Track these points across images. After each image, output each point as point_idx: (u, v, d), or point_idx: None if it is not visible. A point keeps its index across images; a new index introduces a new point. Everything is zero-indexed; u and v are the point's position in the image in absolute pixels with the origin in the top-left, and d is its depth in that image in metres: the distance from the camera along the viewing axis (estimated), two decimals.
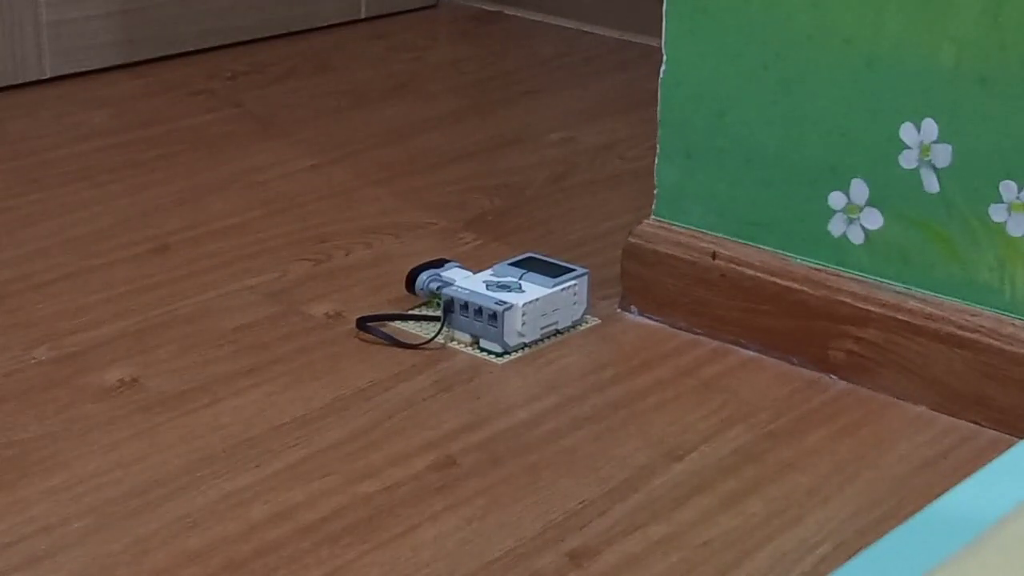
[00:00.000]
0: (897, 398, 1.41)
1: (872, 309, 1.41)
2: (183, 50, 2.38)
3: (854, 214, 1.42)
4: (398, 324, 1.52)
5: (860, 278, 1.43)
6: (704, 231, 1.52)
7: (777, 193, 1.46)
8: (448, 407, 1.39)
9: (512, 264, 1.55)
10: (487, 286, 1.50)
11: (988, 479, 0.72)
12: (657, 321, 1.55)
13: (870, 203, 1.41)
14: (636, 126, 2.08)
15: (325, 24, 2.56)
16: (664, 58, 1.50)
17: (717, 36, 1.46)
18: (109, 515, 1.21)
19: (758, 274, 1.48)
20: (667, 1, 1.49)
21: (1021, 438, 1.27)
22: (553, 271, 1.53)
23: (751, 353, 1.49)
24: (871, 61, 1.37)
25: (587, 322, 1.55)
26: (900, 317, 1.40)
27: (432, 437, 1.33)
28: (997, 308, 1.36)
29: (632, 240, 1.56)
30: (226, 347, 1.48)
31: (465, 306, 1.48)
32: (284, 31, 2.51)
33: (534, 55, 2.48)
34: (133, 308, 1.56)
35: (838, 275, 1.44)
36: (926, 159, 1.36)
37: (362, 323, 1.51)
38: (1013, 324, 1.35)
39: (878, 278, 1.42)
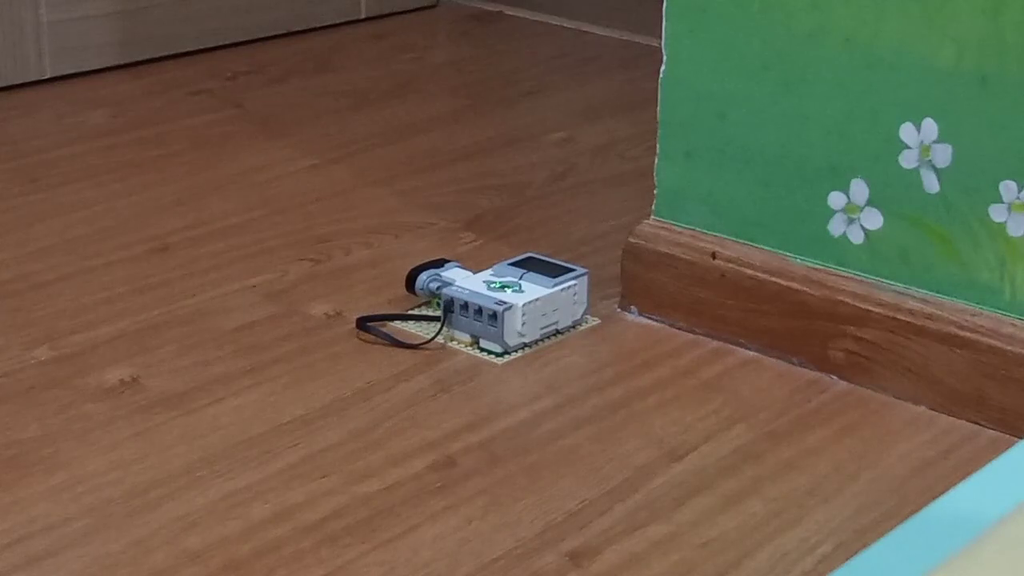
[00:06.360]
0: (897, 398, 1.41)
1: (872, 309, 1.41)
2: (183, 50, 2.38)
3: (854, 214, 1.42)
4: (398, 324, 1.53)
5: (860, 278, 1.43)
6: (704, 231, 1.52)
7: (777, 193, 1.46)
8: (448, 407, 1.39)
9: (512, 264, 1.55)
10: (487, 286, 1.50)
11: (988, 479, 0.72)
12: (657, 321, 1.55)
13: (870, 203, 1.41)
14: (636, 126, 2.08)
15: (325, 24, 2.56)
16: (664, 58, 1.50)
17: (717, 36, 1.46)
18: (109, 515, 1.21)
19: (758, 274, 1.48)
20: (667, 1, 1.49)
21: (1021, 438, 1.27)
22: (553, 271, 1.53)
23: (751, 353, 1.49)
24: (871, 61, 1.37)
25: (587, 322, 1.55)
26: (900, 317, 1.40)
27: (432, 437, 1.33)
28: (997, 308, 1.36)
29: (632, 240, 1.56)
30: (226, 347, 1.48)
31: (465, 306, 1.48)
32: (284, 31, 2.51)
33: (534, 55, 2.48)
34: (133, 308, 1.56)
35: (838, 275, 1.44)
36: (926, 159, 1.36)
37: (362, 323, 1.51)
38: (1013, 324, 1.35)
39: (878, 278, 1.42)
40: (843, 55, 1.39)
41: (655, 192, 1.55)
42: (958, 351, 1.37)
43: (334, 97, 2.23)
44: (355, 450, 1.31)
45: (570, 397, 1.41)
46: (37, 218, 1.78)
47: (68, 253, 1.68)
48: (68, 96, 2.20)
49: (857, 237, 1.42)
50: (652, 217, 1.56)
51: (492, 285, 1.50)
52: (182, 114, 2.15)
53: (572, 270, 1.54)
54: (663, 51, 1.50)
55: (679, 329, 1.53)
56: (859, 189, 1.41)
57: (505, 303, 1.47)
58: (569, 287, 1.52)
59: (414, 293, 1.55)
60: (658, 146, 1.53)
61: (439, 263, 1.57)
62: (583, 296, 1.54)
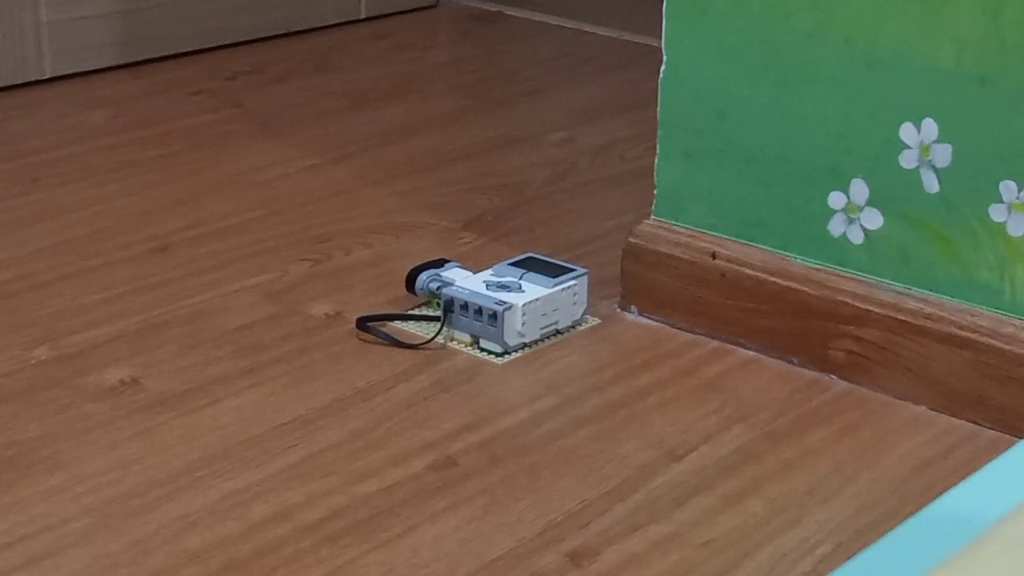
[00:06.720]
0: (897, 398, 1.41)
1: (872, 309, 1.41)
2: (183, 50, 2.38)
3: (854, 214, 1.42)
4: (398, 324, 1.53)
5: (860, 278, 1.43)
6: (704, 231, 1.52)
7: (777, 193, 1.46)
8: (448, 407, 1.39)
9: (512, 264, 1.55)
10: (487, 286, 1.50)
11: (988, 479, 0.72)
12: (657, 321, 1.55)
13: (870, 203, 1.41)
14: (636, 126, 2.08)
15: (325, 24, 2.56)
16: (664, 58, 1.50)
17: (717, 36, 1.46)
18: (109, 515, 1.21)
19: (758, 274, 1.48)
20: (667, 1, 1.49)
21: (1021, 438, 1.27)
22: (553, 271, 1.53)
23: (751, 353, 1.49)
24: (871, 61, 1.37)
25: (587, 322, 1.55)
26: (900, 317, 1.40)
27: (432, 437, 1.33)
28: (997, 308, 1.36)
29: (632, 240, 1.56)
30: (226, 347, 1.48)
31: (465, 306, 1.48)
32: (284, 31, 2.51)
33: (534, 55, 2.48)
34: (133, 308, 1.56)
35: (838, 275, 1.44)
36: (926, 159, 1.36)
37: (362, 323, 1.51)
38: (1013, 324, 1.35)
39: (878, 278, 1.42)
40: (843, 55, 1.39)
41: (655, 192, 1.55)
42: (958, 351, 1.37)
43: (334, 97, 2.23)
44: (355, 450, 1.31)
45: (570, 397, 1.41)
46: (37, 218, 1.78)
47: (68, 253, 1.68)
48: (68, 96, 2.20)
49: (857, 237, 1.42)
50: (652, 217, 1.56)
51: (492, 285, 1.50)
52: (182, 114, 2.15)
53: (572, 270, 1.54)
54: (663, 51, 1.50)
55: (679, 329, 1.53)
56: (859, 189, 1.41)
57: (505, 303, 1.47)
58: (569, 287, 1.52)
59: (414, 293, 1.55)
60: (658, 146, 1.53)
61: (439, 263, 1.57)
62: (583, 296, 1.54)
